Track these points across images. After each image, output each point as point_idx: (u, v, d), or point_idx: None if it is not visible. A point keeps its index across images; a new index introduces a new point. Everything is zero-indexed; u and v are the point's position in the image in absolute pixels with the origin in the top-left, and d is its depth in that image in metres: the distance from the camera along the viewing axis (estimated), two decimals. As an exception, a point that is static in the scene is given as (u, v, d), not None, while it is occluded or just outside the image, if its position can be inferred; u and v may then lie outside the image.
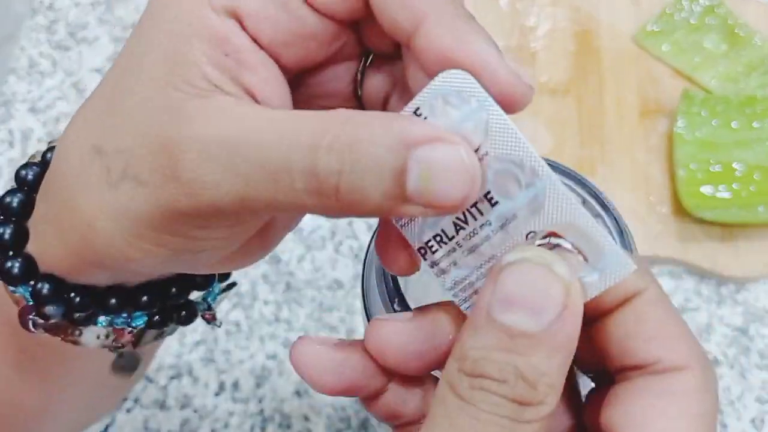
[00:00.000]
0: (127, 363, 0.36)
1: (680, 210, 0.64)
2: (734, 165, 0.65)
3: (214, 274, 0.34)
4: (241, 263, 0.30)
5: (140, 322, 0.31)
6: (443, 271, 0.24)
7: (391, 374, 0.25)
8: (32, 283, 0.28)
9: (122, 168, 0.23)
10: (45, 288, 0.28)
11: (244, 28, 0.23)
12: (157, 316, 0.31)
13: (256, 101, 0.24)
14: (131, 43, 0.25)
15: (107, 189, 0.24)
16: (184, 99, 0.23)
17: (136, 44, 0.24)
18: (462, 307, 0.24)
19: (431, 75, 0.22)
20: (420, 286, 0.40)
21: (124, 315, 0.30)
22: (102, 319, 0.30)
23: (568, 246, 0.21)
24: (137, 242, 0.25)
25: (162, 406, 0.55)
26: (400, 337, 0.24)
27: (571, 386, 0.26)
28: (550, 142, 0.67)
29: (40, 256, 0.28)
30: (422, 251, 0.24)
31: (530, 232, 0.22)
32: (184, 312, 0.33)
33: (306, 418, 0.55)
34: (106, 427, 0.54)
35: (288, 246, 0.62)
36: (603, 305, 0.22)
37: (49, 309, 0.28)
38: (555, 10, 0.74)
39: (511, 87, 0.23)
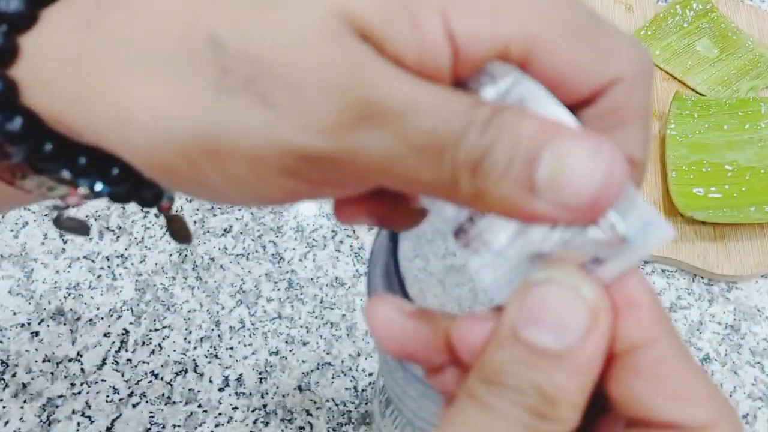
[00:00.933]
0: (78, 227, 0.32)
1: (672, 210, 0.64)
2: (726, 166, 0.66)
3: None
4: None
5: (101, 188, 0.26)
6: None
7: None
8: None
9: (246, 77, 0.19)
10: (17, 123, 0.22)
11: (451, 55, 0.21)
12: (120, 191, 0.26)
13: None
14: None
15: (214, 90, 0.20)
16: (360, 46, 0.20)
17: None
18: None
19: None
20: (419, 286, 0.40)
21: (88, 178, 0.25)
22: (66, 173, 0.25)
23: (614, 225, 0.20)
24: (200, 160, 0.20)
25: (167, 401, 0.56)
26: (396, 319, 0.24)
27: None
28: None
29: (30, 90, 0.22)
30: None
31: None
32: (147, 194, 0.27)
33: (308, 413, 0.56)
34: (113, 422, 0.55)
35: (290, 245, 0.63)
36: (614, 349, 0.21)
37: (12, 149, 0.23)
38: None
39: None
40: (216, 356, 0.58)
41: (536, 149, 0.19)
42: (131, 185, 0.26)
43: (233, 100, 0.19)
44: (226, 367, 0.58)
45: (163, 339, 0.58)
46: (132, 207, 0.64)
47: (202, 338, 0.59)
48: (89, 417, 0.55)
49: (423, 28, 0.20)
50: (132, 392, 0.56)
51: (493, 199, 0.20)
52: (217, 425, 0.55)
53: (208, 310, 0.60)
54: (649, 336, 0.20)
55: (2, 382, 0.56)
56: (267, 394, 0.57)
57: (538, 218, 0.20)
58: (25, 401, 0.55)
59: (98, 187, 0.25)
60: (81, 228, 0.32)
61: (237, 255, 0.62)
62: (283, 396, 0.57)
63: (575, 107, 0.22)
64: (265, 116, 0.19)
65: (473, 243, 0.22)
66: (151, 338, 0.58)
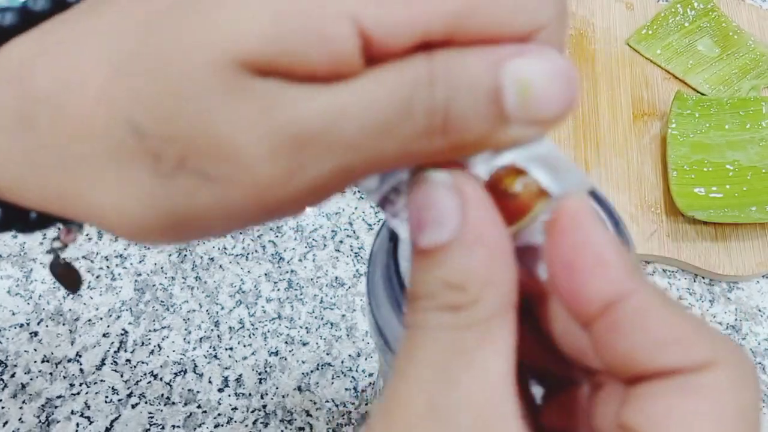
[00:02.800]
0: (71, 278, 0.34)
1: (673, 210, 0.64)
2: (727, 166, 0.66)
3: None
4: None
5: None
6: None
7: None
8: None
9: (177, 158, 0.19)
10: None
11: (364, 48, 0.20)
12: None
13: None
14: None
15: (153, 177, 0.20)
16: (260, 84, 0.19)
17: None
18: None
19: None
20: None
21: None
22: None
23: (522, 167, 0.21)
24: (164, 230, 0.21)
25: (167, 401, 0.56)
26: None
27: (522, 389, 0.24)
28: (546, 144, 0.68)
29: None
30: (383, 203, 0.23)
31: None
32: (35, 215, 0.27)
33: (308, 413, 0.56)
34: (112, 423, 0.55)
35: (290, 245, 0.63)
36: (584, 311, 0.20)
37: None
38: (551, 14, 0.75)
39: None
40: (215, 356, 0.58)
41: (495, 81, 0.19)
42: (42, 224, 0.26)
43: (177, 184, 0.20)
44: (226, 368, 0.57)
45: (163, 339, 0.58)
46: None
47: (201, 338, 0.59)
48: (88, 417, 0.55)
49: (329, 35, 0.18)
50: (131, 393, 0.56)
51: (469, 144, 0.20)
52: (216, 426, 0.55)
53: (207, 311, 0.60)
54: (623, 289, 0.19)
55: (1, 382, 0.56)
56: (266, 394, 0.57)
57: (516, 143, 0.20)
58: (24, 402, 0.55)
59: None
60: (71, 280, 0.33)
61: (236, 255, 0.62)
62: (283, 396, 0.57)
63: None
64: (212, 191, 0.20)
65: (402, 213, 0.23)
66: (150, 338, 0.58)
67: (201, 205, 0.20)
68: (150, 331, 0.58)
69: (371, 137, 0.19)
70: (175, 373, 0.57)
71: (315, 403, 0.56)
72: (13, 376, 0.56)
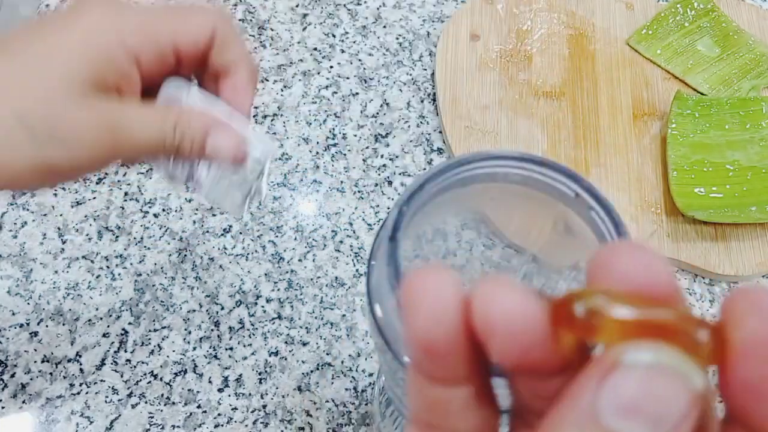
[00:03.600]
0: None
1: (673, 210, 0.64)
2: (727, 166, 0.66)
3: None
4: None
5: None
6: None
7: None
8: None
9: (48, 132, 0.35)
10: None
11: (136, 62, 0.38)
12: None
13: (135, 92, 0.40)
14: (49, 31, 0.37)
15: (31, 144, 0.35)
16: (92, 95, 0.37)
17: (55, 36, 0.36)
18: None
19: None
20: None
21: None
22: None
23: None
24: (45, 180, 0.37)
25: (167, 401, 0.56)
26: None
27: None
28: (544, 143, 0.68)
29: None
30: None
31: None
32: None
33: (308, 413, 0.56)
34: (112, 423, 0.55)
35: (290, 245, 0.63)
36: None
37: None
38: (551, 14, 0.75)
39: None
40: (215, 357, 0.58)
41: (203, 141, 0.40)
42: None
43: (47, 147, 0.36)
44: (226, 368, 0.57)
45: (163, 339, 0.58)
46: (131, 207, 0.64)
47: (201, 338, 0.59)
48: (88, 417, 0.55)
49: (117, 59, 0.37)
50: (131, 393, 0.56)
51: (192, 156, 0.41)
52: (216, 426, 0.55)
53: (207, 311, 0.60)
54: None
55: (1, 382, 0.56)
56: (267, 394, 0.57)
57: (216, 161, 0.41)
58: (24, 402, 0.55)
59: None
60: None
61: (236, 255, 0.62)
62: (283, 397, 0.57)
63: (209, 77, 0.42)
64: (69, 151, 0.37)
65: (197, 185, 0.43)
66: (150, 338, 0.58)
67: (64, 160, 0.36)
68: (150, 331, 0.58)
69: (145, 141, 0.38)
70: (175, 373, 0.57)
71: (315, 403, 0.57)
72: (13, 376, 0.56)
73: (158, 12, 0.39)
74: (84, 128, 0.36)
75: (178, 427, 0.55)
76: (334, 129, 0.70)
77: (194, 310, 0.60)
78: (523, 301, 0.17)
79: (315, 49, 0.75)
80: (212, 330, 0.59)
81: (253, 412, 0.56)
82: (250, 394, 0.57)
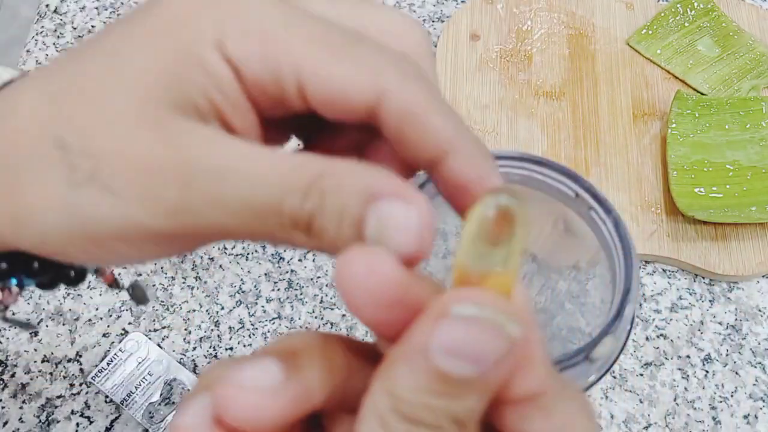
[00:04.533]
0: (23, 324, 0.37)
1: (673, 210, 0.64)
2: (727, 166, 0.65)
3: None
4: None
5: (30, 283, 0.29)
6: None
7: None
8: None
9: (90, 171, 0.22)
10: None
11: (239, 80, 0.23)
12: (45, 279, 0.30)
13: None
14: (120, 30, 0.24)
15: (67, 187, 0.23)
16: (173, 120, 0.22)
17: (127, 35, 0.24)
18: None
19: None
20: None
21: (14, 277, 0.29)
22: None
23: None
24: (84, 245, 0.24)
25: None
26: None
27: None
28: (544, 143, 0.68)
29: None
30: None
31: None
32: (73, 273, 0.32)
33: (308, 413, 0.56)
34: (112, 423, 0.55)
35: (290, 245, 0.63)
36: (505, 397, 0.21)
37: None
38: (551, 14, 0.75)
39: None
40: (215, 357, 0.58)
41: (361, 214, 0.22)
42: (53, 272, 0.29)
43: (84, 193, 0.23)
44: (226, 368, 0.57)
45: (163, 339, 0.58)
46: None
47: (201, 338, 0.58)
48: (88, 417, 0.55)
49: (210, 68, 0.23)
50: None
51: (326, 250, 0.23)
52: (216, 426, 0.55)
53: (207, 311, 0.60)
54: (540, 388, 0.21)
55: (1, 382, 0.56)
56: (267, 394, 0.56)
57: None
58: (24, 401, 0.55)
59: (26, 281, 0.29)
60: (25, 325, 0.36)
61: (236, 255, 0.62)
62: (283, 396, 0.56)
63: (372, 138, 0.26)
64: (112, 203, 0.22)
65: None
66: (150, 338, 0.58)
67: (101, 215, 0.23)
68: (150, 331, 0.58)
69: (245, 206, 0.22)
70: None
71: (315, 403, 0.56)
72: (13, 375, 0.56)
73: (294, 20, 0.24)
74: (139, 166, 0.22)
75: (178, 427, 0.55)
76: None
77: (194, 310, 0.60)
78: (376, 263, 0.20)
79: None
80: (212, 330, 0.59)
81: (253, 412, 0.56)
82: (250, 394, 0.56)
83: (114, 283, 0.35)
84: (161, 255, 0.25)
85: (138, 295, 0.38)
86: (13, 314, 0.35)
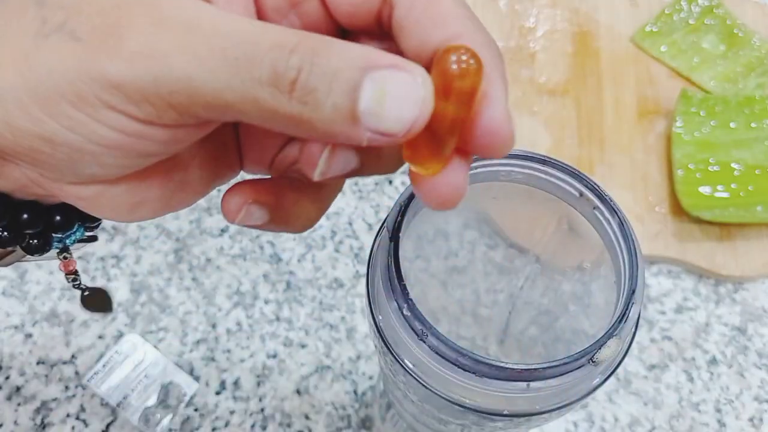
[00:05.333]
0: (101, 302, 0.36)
1: (678, 210, 0.64)
2: (732, 165, 0.65)
3: (75, 217, 0.29)
4: (150, 211, 0.26)
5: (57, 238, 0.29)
6: None
7: None
8: None
9: (60, 21, 0.21)
10: None
11: None
12: (4, 233, 0.27)
13: None
14: None
15: (33, 38, 0.22)
16: None
17: None
18: None
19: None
20: (421, 287, 0.40)
21: None
22: None
23: None
24: (37, 113, 0.22)
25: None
26: None
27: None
28: (548, 142, 0.67)
29: None
30: None
31: None
32: (35, 241, 0.29)
33: (306, 417, 0.55)
34: (108, 426, 0.54)
35: (288, 245, 0.62)
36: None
37: None
38: (554, 11, 0.75)
39: (500, 130, 0.23)
40: (212, 359, 0.57)
41: (356, 81, 0.20)
42: (13, 228, 0.27)
43: (49, 43, 0.21)
44: (223, 371, 0.57)
45: (159, 341, 0.57)
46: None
47: (198, 341, 0.58)
48: (84, 420, 0.54)
49: None
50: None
51: (315, 125, 0.21)
52: (213, 429, 0.55)
53: (204, 312, 0.59)
54: None
55: (-5, 385, 0.55)
56: (265, 397, 0.56)
57: (356, 143, 0.21)
58: (19, 404, 0.55)
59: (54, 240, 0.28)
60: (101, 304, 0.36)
61: (234, 256, 0.61)
62: (282, 400, 0.56)
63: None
64: (74, 49, 0.21)
65: None
66: (146, 340, 0.57)
67: (60, 64, 0.21)
68: (146, 332, 0.58)
69: (218, 53, 0.20)
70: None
71: (314, 406, 0.56)
72: (7, 378, 0.55)
73: None
74: (108, 14, 0.21)
75: (175, 430, 0.54)
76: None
77: (191, 312, 0.59)
78: None
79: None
80: (209, 332, 0.58)
81: (251, 415, 0.55)
82: (248, 397, 0.56)
83: (72, 275, 0.32)
84: (130, 133, 0.22)
85: (93, 302, 0.35)
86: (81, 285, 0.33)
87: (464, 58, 0.21)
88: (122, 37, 0.20)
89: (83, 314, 0.58)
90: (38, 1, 0.22)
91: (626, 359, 0.58)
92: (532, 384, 0.28)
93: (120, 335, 0.57)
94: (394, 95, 0.20)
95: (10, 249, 0.28)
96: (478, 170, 0.33)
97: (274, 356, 0.57)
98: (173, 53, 0.20)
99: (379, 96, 0.20)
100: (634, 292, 0.30)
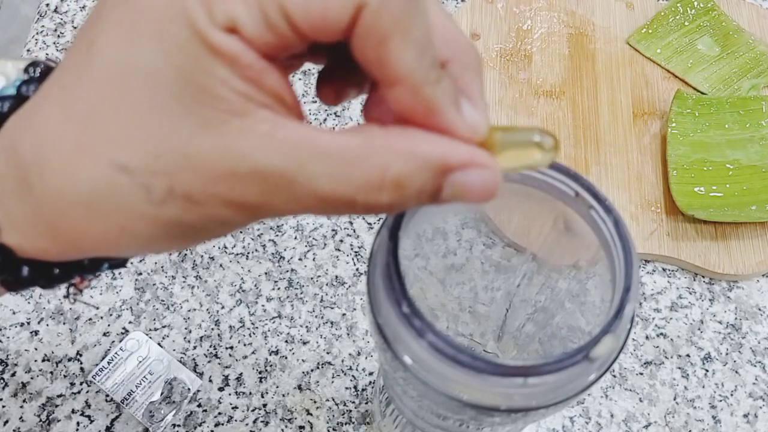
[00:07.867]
0: None
1: (673, 209, 0.64)
2: (727, 165, 0.65)
3: (103, 260, 0.31)
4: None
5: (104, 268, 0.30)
6: None
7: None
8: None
9: (166, 188, 0.22)
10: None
11: (243, 41, 0.22)
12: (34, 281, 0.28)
13: (284, 102, 0.23)
14: (112, 39, 0.22)
15: (148, 206, 0.23)
16: (221, 118, 0.22)
17: (124, 44, 0.22)
18: None
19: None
20: (420, 285, 0.40)
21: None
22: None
23: None
24: (172, 242, 0.24)
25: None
26: None
27: None
28: (546, 143, 0.68)
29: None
30: None
31: None
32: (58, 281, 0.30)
33: (308, 412, 0.56)
34: (113, 422, 0.55)
35: (290, 244, 0.63)
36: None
37: None
38: (550, 13, 0.75)
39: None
40: (216, 356, 0.58)
41: (436, 187, 0.24)
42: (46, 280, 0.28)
43: (169, 207, 0.23)
44: (226, 367, 0.57)
45: (163, 338, 0.58)
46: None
47: (201, 337, 0.58)
48: (89, 416, 0.55)
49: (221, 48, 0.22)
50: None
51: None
52: (216, 425, 0.55)
53: (207, 310, 0.60)
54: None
55: (2, 381, 0.56)
56: (267, 393, 0.57)
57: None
58: (24, 400, 0.55)
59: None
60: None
61: (237, 254, 0.62)
62: (283, 395, 0.57)
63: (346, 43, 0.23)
64: (199, 211, 0.23)
65: None
66: (150, 337, 0.58)
67: (192, 220, 0.23)
68: (150, 330, 0.58)
69: (319, 201, 0.23)
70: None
71: (315, 402, 0.56)
72: (13, 375, 0.56)
73: None
74: (213, 172, 0.22)
75: (179, 426, 0.55)
76: (334, 128, 0.70)
77: (194, 309, 0.60)
78: None
79: (315, 48, 0.75)
80: (212, 329, 0.59)
81: (253, 410, 0.56)
82: (250, 393, 0.57)
83: (77, 289, 0.33)
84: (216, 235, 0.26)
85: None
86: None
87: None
88: (242, 197, 0.23)
89: (88, 312, 0.59)
90: (124, 169, 0.22)
91: (622, 356, 0.59)
92: (529, 380, 0.28)
93: (125, 332, 0.58)
94: (468, 191, 0.24)
95: None
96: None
97: (276, 353, 0.58)
98: (284, 206, 0.23)
99: (457, 191, 0.24)
100: (629, 289, 0.30)
